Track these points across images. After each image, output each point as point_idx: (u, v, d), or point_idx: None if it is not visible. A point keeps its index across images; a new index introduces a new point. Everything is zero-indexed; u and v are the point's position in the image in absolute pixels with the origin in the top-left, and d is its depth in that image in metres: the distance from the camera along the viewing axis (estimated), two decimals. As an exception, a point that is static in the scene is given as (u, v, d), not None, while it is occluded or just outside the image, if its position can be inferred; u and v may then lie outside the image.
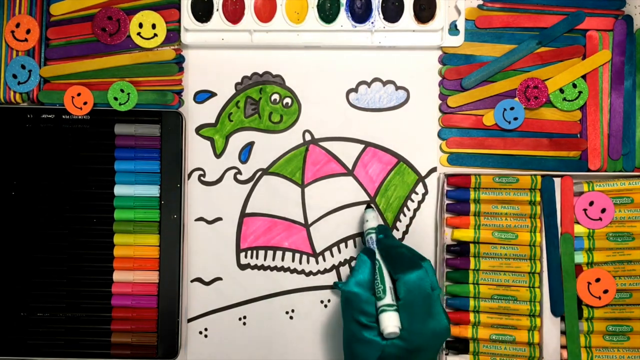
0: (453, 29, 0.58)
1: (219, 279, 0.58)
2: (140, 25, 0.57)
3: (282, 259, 0.58)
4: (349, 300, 0.46)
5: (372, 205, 0.57)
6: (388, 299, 0.46)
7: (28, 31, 0.57)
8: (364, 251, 0.50)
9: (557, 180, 0.56)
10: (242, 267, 0.58)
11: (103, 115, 0.57)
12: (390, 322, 0.44)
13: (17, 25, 0.56)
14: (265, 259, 0.58)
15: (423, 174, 0.59)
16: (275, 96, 0.59)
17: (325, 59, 0.59)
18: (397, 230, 0.58)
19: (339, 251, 0.58)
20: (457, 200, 0.57)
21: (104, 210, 0.57)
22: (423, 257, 0.47)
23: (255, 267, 0.58)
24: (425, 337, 0.45)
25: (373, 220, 0.53)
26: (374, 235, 0.51)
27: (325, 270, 0.58)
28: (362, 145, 0.59)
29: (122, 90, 0.56)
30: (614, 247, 0.56)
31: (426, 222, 0.58)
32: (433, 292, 0.46)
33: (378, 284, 0.47)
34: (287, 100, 0.59)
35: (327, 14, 0.57)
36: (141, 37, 0.57)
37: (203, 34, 0.58)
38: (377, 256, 0.49)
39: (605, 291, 0.55)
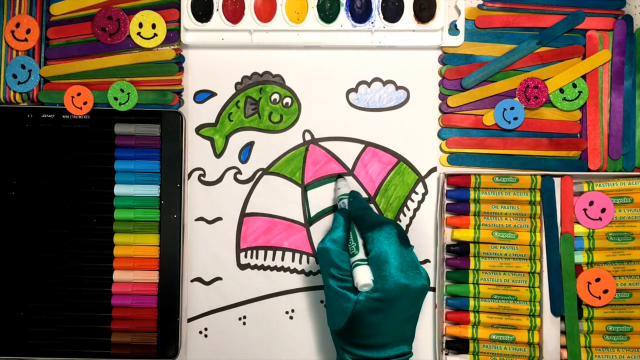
0: (453, 29, 0.58)
1: (219, 278, 0.58)
2: (140, 25, 0.57)
3: (282, 259, 0.58)
4: (322, 255, 0.49)
5: (344, 176, 0.58)
6: (361, 254, 0.48)
7: (28, 31, 0.57)
8: (339, 211, 0.52)
9: (557, 180, 0.56)
10: (242, 267, 0.58)
11: (103, 115, 0.57)
12: (364, 275, 0.46)
13: (17, 25, 0.56)
14: (265, 259, 0.58)
15: (423, 173, 0.59)
16: (275, 96, 0.59)
17: (325, 59, 0.59)
18: (397, 230, 0.58)
19: (339, 251, 0.58)
20: (457, 200, 0.57)
21: (104, 210, 0.57)
22: (392, 220, 0.50)
23: (255, 267, 0.58)
24: (398, 289, 0.46)
25: (344, 187, 0.56)
26: (346, 200, 0.54)
27: (325, 270, 0.58)
28: (362, 145, 0.59)
29: (122, 90, 0.56)
30: (614, 247, 0.56)
31: (426, 222, 0.58)
32: (405, 249, 0.48)
33: (351, 241, 0.49)
34: (287, 100, 0.59)
35: (327, 13, 0.57)
36: (141, 37, 0.57)
37: (203, 33, 0.58)
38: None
39: (605, 291, 0.55)
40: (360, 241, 0.49)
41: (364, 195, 0.58)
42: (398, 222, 0.58)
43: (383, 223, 0.48)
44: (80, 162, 0.57)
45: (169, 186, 0.57)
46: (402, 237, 0.49)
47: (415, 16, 0.57)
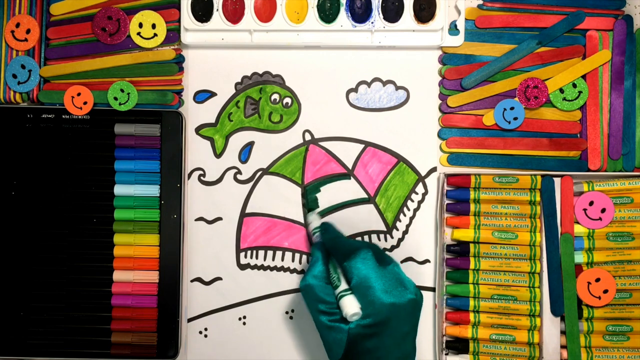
0: (453, 29, 0.58)
1: (219, 279, 0.58)
2: (140, 25, 0.57)
3: (282, 259, 0.58)
4: (307, 293, 0.49)
5: (313, 210, 0.58)
6: (344, 284, 0.48)
7: (28, 31, 0.57)
8: (315, 246, 0.52)
9: (557, 180, 0.56)
10: (242, 267, 0.58)
11: (103, 115, 0.57)
12: (351, 305, 0.46)
13: (17, 25, 0.56)
14: (265, 259, 0.58)
15: (423, 173, 0.59)
16: (275, 96, 0.59)
17: (325, 59, 0.59)
18: (397, 230, 0.58)
19: (339, 251, 0.58)
20: (457, 200, 0.57)
21: (104, 210, 0.57)
22: (366, 243, 0.50)
23: (255, 267, 0.58)
24: (386, 311, 0.46)
25: (315, 221, 0.55)
26: (319, 234, 0.54)
27: (325, 270, 0.58)
28: (362, 145, 0.59)
29: (122, 90, 0.56)
30: (614, 247, 0.56)
31: (426, 222, 0.58)
32: (385, 268, 0.47)
33: (332, 274, 0.49)
34: (287, 100, 0.59)
35: (327, 14, 0.57)
36: (141, 37, 0.57)
37: (203, 33, 0.58)
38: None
39: (605, 291, 0.55)
40: (340, 271, 0.49)
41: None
42: (398, 221, 0.58)
43: (356, 249, 0.48)
44: (80, 162, 0.57)
45: (169, 186, 0.57)
46: (380, 257, 0.48)
47: (415, 16, 0.57)
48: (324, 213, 0.58)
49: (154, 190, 0.57)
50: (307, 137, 0.59)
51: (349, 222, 0.58)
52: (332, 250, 0.51)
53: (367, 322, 0.46)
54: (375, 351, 0.46)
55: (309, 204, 0.58)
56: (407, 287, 0.47)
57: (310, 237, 0.56)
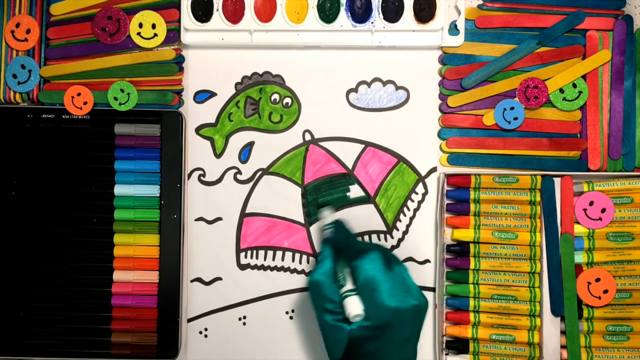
0: (453, 29, 0.58)
1: (219, 279, 0.58)
2: (140, 25, 0.57)
3: (282, 259, 0.58)
4: (315, 290, 0.48)
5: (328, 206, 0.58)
6: (349, 284, 0.48)
7: (28, 31, 0.57)
8: (325, 243, 0.52)
9: (557, 180, 0.56)
10: (242, 267, 0.58)
11: (103, 115, 0.57)
12: (354, 305, 0.46)
13: (17, 25, 0.56)
14: (265, 259, 0.58)
15: (423, 173, 0.59)
16: (275, 96, 0.59)
17: (325, 59, 0.59)
18: (397, 230, 0.58)
19: (339, 251, 0.58)
20: (457, 200, 0.57)
21: (104, 210, 0.57)
22: (376, 245, 0.50)
23: (255, 267, 0.58)
24: (389, 314, 0.45)
25: (328, 217, 0.55)
26: (329, 230, 0.53)
27: (325, 270, 0.58)
28: (362, 145, 0.59)
29: (122, 90, 0.56)
30: (614, 247, 0.56)
31: (426, 222, 0.58)
32: (393, 271, 0.47)
33: (339, 273, 0.49)
34: (287, 100, 0.59)
35: (327, 14, 0.57)
36: (141, 37, 0.57)
37: (203, 34, 0.58)
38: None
39: (605, 291, 0.55)
40: (347, 271, 0.49)
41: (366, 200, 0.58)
42: (398, 221, 0.58)
43: (366, 250, 0.48)
44: (80, 162, 0.57)
45: (169, 186, 0.57)
46: (389, 260, 0.48)
47: (415, 16, 0.57)
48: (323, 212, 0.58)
49: (154, 190, 0.57)
50: (307, 137, 0.59)
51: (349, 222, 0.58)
52: (342, 248, 0.50)
53: (369, 324, 0.46)
54: (376, 354, 0.46)
55: (309, 204, 0.58)
56: (411, 291, 0.47)
57: (322, 233, 0.56)
